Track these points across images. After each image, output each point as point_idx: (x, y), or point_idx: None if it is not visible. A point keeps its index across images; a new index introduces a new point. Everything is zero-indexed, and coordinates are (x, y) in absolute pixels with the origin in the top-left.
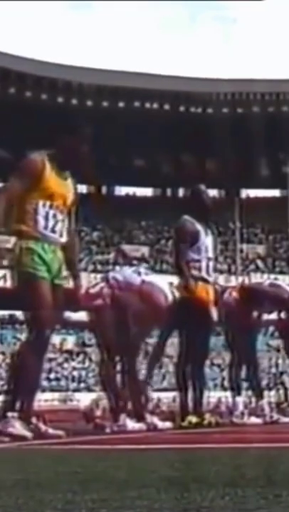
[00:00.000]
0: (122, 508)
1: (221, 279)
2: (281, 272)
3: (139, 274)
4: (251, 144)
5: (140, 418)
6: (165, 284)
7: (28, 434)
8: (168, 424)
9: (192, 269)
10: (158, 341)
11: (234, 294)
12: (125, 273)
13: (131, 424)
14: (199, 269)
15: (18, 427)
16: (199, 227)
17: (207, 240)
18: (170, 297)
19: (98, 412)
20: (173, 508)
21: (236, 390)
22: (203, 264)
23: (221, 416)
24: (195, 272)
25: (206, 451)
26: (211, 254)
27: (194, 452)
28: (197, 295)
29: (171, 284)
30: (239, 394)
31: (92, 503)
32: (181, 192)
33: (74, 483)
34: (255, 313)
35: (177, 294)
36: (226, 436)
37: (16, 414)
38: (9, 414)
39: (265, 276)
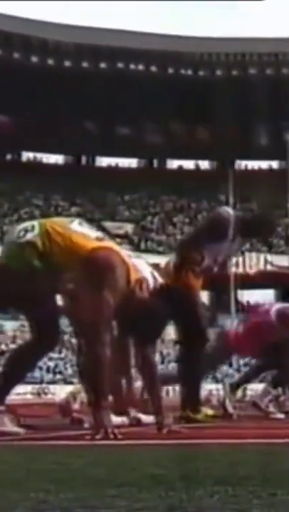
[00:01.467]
0: (100, 508)
1: None
2: (279, 252)
3: None
4: (247, 109)
5: (122, 412)
6: (148, 268)
7: (21, 430)
8: (152, 419)
9: (194, 263)
10: None
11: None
12: None
13: (113, 419)
14: (199, 266)
15: (8, 424)
16: (232, 232)
17: (230, 246)
18: (151, 284)
19: (76, 406)
20: (156, 507)
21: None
22: (207, 263)
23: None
24: (196, 268)
25: (196, 448)
26: (220, 259)
27: (183, 448)
28: (184, 281)
29: (157, 265)
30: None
31: (67, 503)
32: (169, 163)
33: (47, 481)
34: None
35: (160, 279)
36: (219, 432)
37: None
38: None
39: (262, 256)
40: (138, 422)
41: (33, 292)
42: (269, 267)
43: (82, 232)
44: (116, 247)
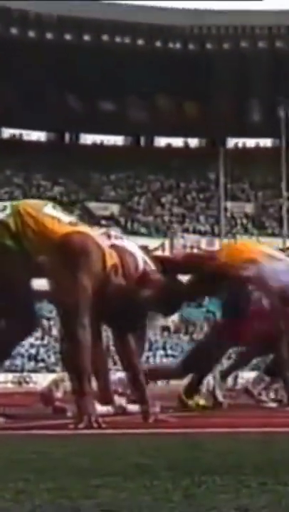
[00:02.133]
0: (82, 498)
1: (203, 243)
2: (272, 234)
3: (108, 237)
4: (239, 84)
5: (108, 401)
6: (138, 250)
7: (1, 419)
8: (138, 408)
9: None
10: None
11: None
12: None
13: (97, 408)
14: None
15: None
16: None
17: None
18: (141, 266)
19: (58, 394)
20: (141, 497)
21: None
22: None
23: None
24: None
25: (184, 437)
26: None
27: (170, 438)
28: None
29: (145, 248)
30: None
31: (47, 493)
32: (156, 141)
33: (27, 471)
34: None
35: (151, 263)
36: (207, 421)
37: None
38: None
39: (254, 239)
40: (123, 411)
41: (6, 273)
42: (196, 251)
43: (56, 216)
44: (90, 232)
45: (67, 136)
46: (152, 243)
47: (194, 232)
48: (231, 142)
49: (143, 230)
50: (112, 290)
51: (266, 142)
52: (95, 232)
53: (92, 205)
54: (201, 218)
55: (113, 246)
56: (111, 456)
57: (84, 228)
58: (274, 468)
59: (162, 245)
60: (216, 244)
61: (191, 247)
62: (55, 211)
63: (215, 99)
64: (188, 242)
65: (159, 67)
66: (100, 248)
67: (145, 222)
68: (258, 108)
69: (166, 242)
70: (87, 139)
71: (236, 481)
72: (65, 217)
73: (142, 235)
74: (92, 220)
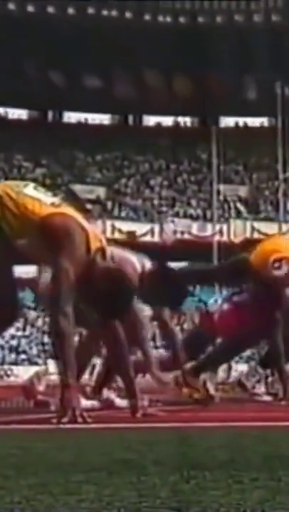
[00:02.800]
0: (65, 494)
1: (195, 228)
2: (267, 219)
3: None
4: (233, 59)
5: (95, 394)
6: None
7: None
8: (126, 402)
9: None
10: None
11: None
12: None
13: (83, 402)
14: None
15: None
16: None
17: None
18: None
19: (41, 388)
20: (127, 493)
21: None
22: None
23: None
24: None
25: (172, 431)
26: None
27: (158, 432)
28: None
29: (133, 233)
30: None
31: (28, 489)
32: (145, 120)
33: (7, 466)
34: None
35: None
36: (196, 415)
37: None
38: None
39: (248, 224)
40: (111, 405)
41: None
42: (187, 236)
43: (37, 197)
44: (74, 213)
45: (50, 115)
46: (141, 228)
47: (185, 216)
48: (224, 121)
49: (131, 214)
50: (98, 274)
51: (262, 121)
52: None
53: (77, 187)
54: (193, 202)
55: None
56: (95, 451)
57: (67, 209)
58: (267, 463)
59: (151, 230)
60: (208, 230)
61: (182, 233)
62: (36, 192)
63: (207, 75)
64: (178, 227)
65: (148, 42)
66: (84, 230)
67: (133, 206)
68: (254, 85)
69: (156, 227)
70: (72, 117)
71: (228, 476)
72: (47, 198)
73: (130, 219)
74: (77, 203)
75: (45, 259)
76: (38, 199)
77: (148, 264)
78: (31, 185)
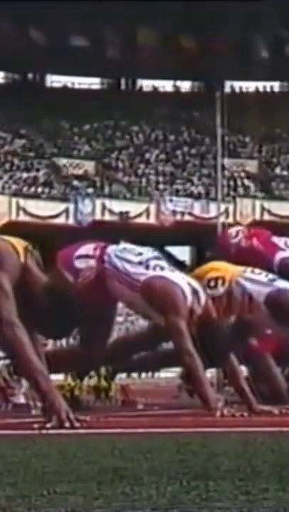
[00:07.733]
0: (48, 506)
1: (196, 208)
2: (278, 198)
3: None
4: (240, 16)
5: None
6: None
7: None
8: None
9: None
10: None
11: None
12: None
13: None
14: None
15: None
16: None
17: None
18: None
19: (22, 389)
20: (120, 505)
21: None
22: None
23: None
24: None
25: (169, 437)
26: None
27: (153, 438)
28: None
29: (126, 213)
30: None
31: (6, 500)
32: (139, 84)
33: None
34: None
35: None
36: (197, 420)
37: None
38: None
39: (258, 203)
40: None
41: None
42: (187, 217)
43: None
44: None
45: (30, 78)
46: (135, 208)
47: (186, 194)
48: (230, 85)
49: (124, 192)
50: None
51: (272, 85)
52: None
53: (63, 161)
54: (194, 178)
55: None
56: (82, 459)
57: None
58: (275, 472)
59: (147, 211)
60: (212, 210)
61: (182, 213)
62: None
63: (211, 33)
64: (178, 207)
65: None
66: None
67: (126, 183)
68: (263, 45)
69: (152, 207)
70: (55, 80)
71: (233, 487)
72: None
73: (123, 198)
74: (62, 179)
75: None
76: None
77: (203, 297)
78: None
